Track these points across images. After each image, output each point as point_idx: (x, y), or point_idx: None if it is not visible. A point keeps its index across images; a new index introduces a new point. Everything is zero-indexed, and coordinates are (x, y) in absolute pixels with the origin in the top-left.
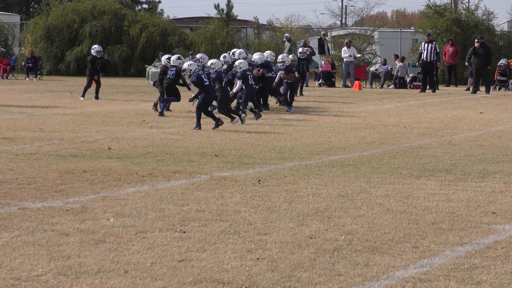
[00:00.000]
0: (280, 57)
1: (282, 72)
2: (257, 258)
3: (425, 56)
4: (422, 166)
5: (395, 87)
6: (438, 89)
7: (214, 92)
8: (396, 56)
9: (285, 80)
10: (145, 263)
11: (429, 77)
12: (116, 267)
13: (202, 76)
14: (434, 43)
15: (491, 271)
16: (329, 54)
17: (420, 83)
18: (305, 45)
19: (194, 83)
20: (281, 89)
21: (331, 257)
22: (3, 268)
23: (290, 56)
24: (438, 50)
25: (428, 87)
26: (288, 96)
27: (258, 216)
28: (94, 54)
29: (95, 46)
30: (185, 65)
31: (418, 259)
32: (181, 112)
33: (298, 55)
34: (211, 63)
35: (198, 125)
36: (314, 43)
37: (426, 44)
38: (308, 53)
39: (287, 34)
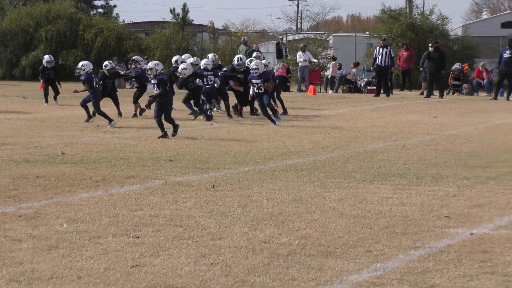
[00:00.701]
0: (252, 64)
1: (267, 83)
2: (211, 263)
3: (379, 60)
4: (376, 170)
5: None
6: (392, 93)
7: (170, 98)
8: (356, 64)
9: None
10: (99, 268)
11: (383, 81)
12: (69, 273)
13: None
14: (389, 47)
15: (444, 275)
16: (280, 57)
17: (375, 88)
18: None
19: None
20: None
21: (285, 262)
22: None
23: (264, 61)
24: (392, 55)
25: (382, 92)
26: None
27: (212, 221)
28: (45, 65)
29: (46, 56)
30: (151, 64)
31: (371, 263)
32: (136, 117)
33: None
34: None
35: (164, 133)
36: (270, 47)
37: (380, 49)
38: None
39: (244, 37)
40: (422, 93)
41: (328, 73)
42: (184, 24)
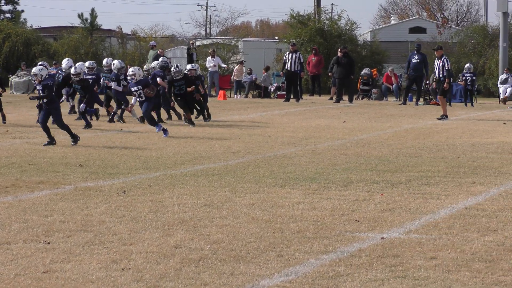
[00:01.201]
0: (129, 71)
1: (146, 89)
2: (122, 269)
3: (289, 66)
4: (286, 175)
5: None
6: (302, 98)
7: (57, 104)
8: (267, 68)
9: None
10: (9, 274)
11: (293, 86)
12: None
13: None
14: (298, 53)
15: (355, 279)
16: (191, 62)
17: (285, 93)
18: (159, 55)
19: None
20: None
21: (196, 267)
22: None
23: (145, 66)
24: (302, 60)
25: (292, 97)
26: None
27: (123, 226)
28: None
29: None
30: (35, 70)
31: (283, 268)
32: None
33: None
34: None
35: (51, 139)
36: (179, 52)
37: (290, 54)
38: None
39: (152, 42)
40: (331, 98)
41: (235, 77)
42: (92, 29)
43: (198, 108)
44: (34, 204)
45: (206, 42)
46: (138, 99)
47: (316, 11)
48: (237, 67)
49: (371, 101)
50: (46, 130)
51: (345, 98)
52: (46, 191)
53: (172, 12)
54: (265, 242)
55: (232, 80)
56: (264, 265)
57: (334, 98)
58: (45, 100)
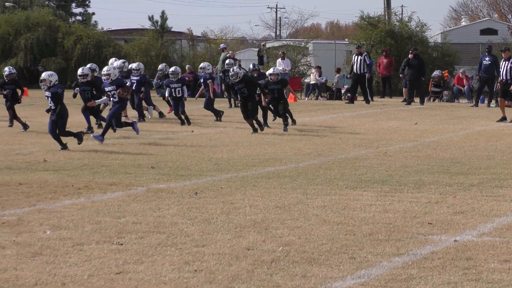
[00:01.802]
0: (105, 69)
1: (120, 90)
2: (195, 270)
3: (355, 68)
4: (358, 177)
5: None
6: (372, 100)
7: (66, 112)
8: (338, 70)
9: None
10: (83, 275)
11: (361, 89)
12: (53, 280)
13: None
14: (363, 55)
15: (428, 282)
16: (261, 64)
17: (356, 95)
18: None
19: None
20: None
21: (268, 269)
22: None
23: (217, 67)
24: (368, 62)
25: (361, 99)
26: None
27: (195, 228)
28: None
29: (6, 68)
30: (44, 75)
31: (355, 270)
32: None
33: (226, 66)
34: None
35: (64, 145)
36: (249, 54)
37: (356, 56)
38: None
39: (223, 45)
40: (404, 100)
41: (309, 80)
42: (162, 31)
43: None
44: (107, 205)
45: (276, 44)
46: (112, 99)
47: (386, 13)
48: (313, 70)
49: (442, 103)
50: (57, 138)
51: (417, 100)
52: (118, 193)
53: (242, 14)
54: (337, 244)
55: (302, 82)
56: (336, 267)
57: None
58: (53, 107)
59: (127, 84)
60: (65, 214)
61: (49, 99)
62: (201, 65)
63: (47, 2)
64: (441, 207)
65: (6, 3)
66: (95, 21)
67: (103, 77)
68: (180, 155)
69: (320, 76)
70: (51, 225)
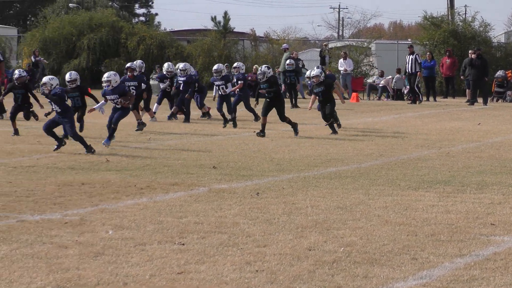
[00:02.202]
0: (105, 76)
1: (122, 99)
2: (256, 270)
3: (408, 67)
4: (420, 178)
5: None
6: (435, 100)
7: (72, 113)
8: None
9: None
10: (144, 275)
11: (409, 87)
12: (115, 279)
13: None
14: (415, 54)
15: (490, 283)
16: (323, 65)
17: (417, 95)
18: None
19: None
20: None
21: (330, 269)
22: (2, 281)
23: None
24: (419, 61)
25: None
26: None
27: (256, 228)
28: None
29: (16, 71)
30: (45, 79)
31: (417, 271)
32: (180, 124)
33: (286, 67)
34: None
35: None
36: (312, 55)
37: (408, 56)
38: (295, 65)
39: (285, 45)
40: (468, 101)
41: (371, 80)
42: (225, 31)
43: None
44: (169, 205)
45: (338, 44)
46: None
47: (449, 13)
48: (377, 72)
49: (506, 103)
50: (52, 134)
51: (480, 100)
52: (180, 193)
53: (304, 14)
54: (399, 245)
55: (364, 83)
56: (398, 268)
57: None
58: (58, 110)
59: (130, 92)
60: (127, 214)
61: (51, 103)
62: (235, 64)
63: (110, 3)
64: (504, 208)
65: (70, 4)
66: (158, 22)
67: (103, 84)
68: (242, 155)
69: (382, 76)
70: (113, 225)
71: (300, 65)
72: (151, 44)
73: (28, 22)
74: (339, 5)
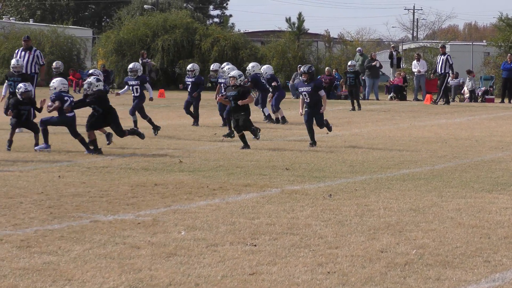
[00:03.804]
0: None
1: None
2: (328, 272)
3: (439, 68)
4: (494, 180)
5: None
6: (510, 102)
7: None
8: (469, 72)
9: None
10: (216, 276)
11: (439, 87)
12: (187, 280)
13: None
14: (446, 55)
15: None
16: (398, 67)
17: (493, 97)
18: (372, 58)
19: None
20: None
21: (402, 271)
22: (75, 281)
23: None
24: (451, 62)
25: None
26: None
27: (329, 229)
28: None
29: (21, 85)
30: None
31: (490, 274)
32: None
33: (348, 68)
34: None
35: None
36: (385, 56)
37: (440, 56)
38: (356, 67)
39: (359, 48)
40: None
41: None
42: (299, 33)
43: None
44: (241, 206)
45: (412, 45)
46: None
47: None
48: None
49: None
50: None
51: None
52: (253, 194)
53: (379, 16)
54: (472, 247)
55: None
56: (470, 270)
57: None
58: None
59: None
60: (199, 215)
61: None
62: (250, 65)
63: (185, 5)
64: None
65: (145, 6)
66: (232, 23)
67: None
68: (314, 156)
69: (456, 78)
70: (185, 225)
71: (377, 65)
72: (225, 46)
73: (103, 24)
74: (414, 6)
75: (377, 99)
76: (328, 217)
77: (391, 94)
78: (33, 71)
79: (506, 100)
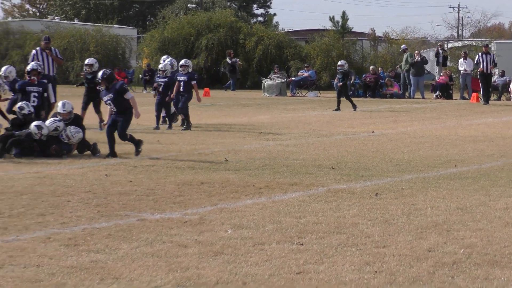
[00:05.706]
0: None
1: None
2: (375, 271)
3: (483, 66)
4: None
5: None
6: None
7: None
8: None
9: None
10: (263, 275)
11: (482, 87)
12: (234, 279)
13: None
14: (491, 54)
15: None
16: (444, 65)
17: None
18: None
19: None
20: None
21: (450, 271)
22: (123, 279)
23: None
24: (496, 62)
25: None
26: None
27: (375, 228)
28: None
29: (24, 105)
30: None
31: None
32: (297, 124)
33: (338, 68)
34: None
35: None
36: (430, 54)
37: (483, 55)
38: (346, 68)
39: (404, 46)
40: None
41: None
42: (344, 31)
43: None
44: (288, 205)
45: (458, 44)
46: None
47: None
48: (498, 72)
49: None
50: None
51: None
52: (299, 193)
53: (424, 14)
54: None
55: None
56: None
57: None
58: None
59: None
60: (246, 213)
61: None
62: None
63: (229, 4)
64: None
65: (189, 5)
66: (276, 22)
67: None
68: (360, 155)
69: (503, 76)
70: (232, 224)
71: (419, 59)
72: (269, 44)
73: (147, 23)
74: (459, 4)
75: (423, 97)
76: (375, 216)
77: (437, 93)
78: (55, 72)
79: None
